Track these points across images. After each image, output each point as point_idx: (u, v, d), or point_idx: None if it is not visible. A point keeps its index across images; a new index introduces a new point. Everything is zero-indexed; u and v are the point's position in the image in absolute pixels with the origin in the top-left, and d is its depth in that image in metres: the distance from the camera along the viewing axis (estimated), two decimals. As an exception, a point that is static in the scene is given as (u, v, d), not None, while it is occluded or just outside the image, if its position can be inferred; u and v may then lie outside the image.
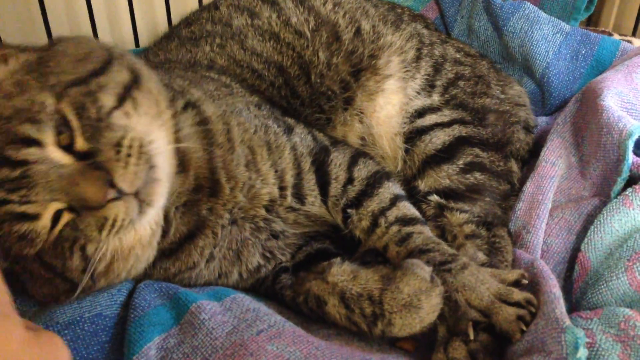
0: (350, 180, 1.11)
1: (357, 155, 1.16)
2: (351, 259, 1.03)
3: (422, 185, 1.21)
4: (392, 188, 1.12)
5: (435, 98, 1.32)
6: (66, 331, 0.88)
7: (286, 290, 1.04)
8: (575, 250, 1.07)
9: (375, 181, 1.11)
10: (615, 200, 1.06)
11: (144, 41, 1.78)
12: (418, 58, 1.35)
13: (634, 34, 1.85)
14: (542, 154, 1.26)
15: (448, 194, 1.18)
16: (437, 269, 0.94)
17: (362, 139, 1.31)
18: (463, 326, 0.89)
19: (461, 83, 1.34)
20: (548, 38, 1.54)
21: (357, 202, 1.08)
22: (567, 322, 0.79)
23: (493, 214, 1.16)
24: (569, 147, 1.27)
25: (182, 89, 1.04)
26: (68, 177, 0.76)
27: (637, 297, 0.91)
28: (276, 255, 1.08)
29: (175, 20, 1.69)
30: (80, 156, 0.78)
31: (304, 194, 1.08)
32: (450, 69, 1.36)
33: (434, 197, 1.18)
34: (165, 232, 0.95)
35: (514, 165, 1.29)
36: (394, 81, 1.31)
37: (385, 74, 1.31)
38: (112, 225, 0.79)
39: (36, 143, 0.76)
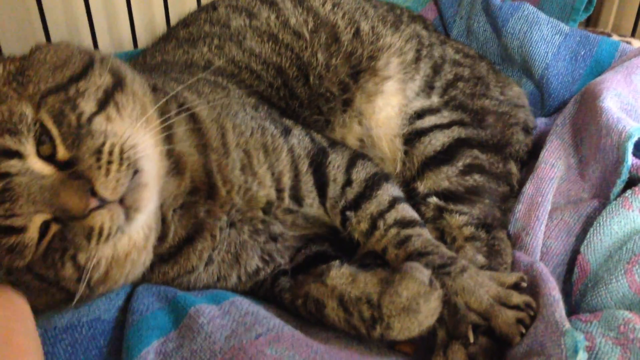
0: (348, 182, 1.10)
1: (356, 157, 1.15)
2: (350, 262, 1.03)
3: (421, 187, 1.21)
4: (391, 190, 1.11)
5: (435, 99, 1.31)
6: (64, 335, 0.87)
7: (285, 293, 1.04)
8: (575, 253, 1.06)
9: (373, 183, 1.10)
10: (614, 202, 1.06)
11: (142, 42, 1.78)
12: (417, 59, 1.35)
13: (633, 35, 1.85)
14: (541, 155, 1.26)
15: (447, 195, 1.17)
16: (436, 272, 0.94)
17: (361, 140, 1.30)
18: (462, 329, 0.89)
19: (460, 84, 1.34)
20: (547, 39, 1.54)
21: (356, 204, 1.08)
22: (567, 325, 0.79)
23: (492, 216, 1.15)
24: (568, 149, 1.26)
25: (176, 92, 1.04)
26: (50, 189, 0.75)
27: (636, 300, 0.91)
28: (275, 258, 1.07)
29: (173, 21, 1.69)
30: (62, 166, 0.77)
31: (301, 196, 1.08)
32: (449, 70, 1.36)
33: (433, 199, 1.18)
34: (164, 236, 0.95)
35: (513, 167, 1.29)
36: (393, 83, 1.31)
37: (385, 76, 1.31)
38: (99, 234, 0.78)
39: (17, 155, 0.75)
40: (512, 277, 0.95)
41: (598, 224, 1.04)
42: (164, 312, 0.92)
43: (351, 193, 1.09)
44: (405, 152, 1.27)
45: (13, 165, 0.74)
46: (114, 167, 0.77)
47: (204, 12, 1.41)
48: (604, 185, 1.14)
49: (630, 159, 1.09)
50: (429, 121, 1.28)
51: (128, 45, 1.79)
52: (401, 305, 0.87)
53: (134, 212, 0.81)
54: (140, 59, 1.37)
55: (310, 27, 1.33)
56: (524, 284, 0.94)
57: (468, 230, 1.12)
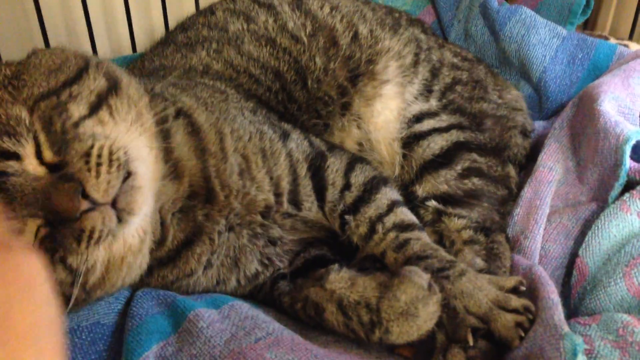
0: (347, 186, 1.11)
1: (354, 161, 1.15)
2: (349, 266, 1.02)
3: (420, 190, 1.21)
4: (390, 194, 1.11)
5: (433, 103, 1.32)
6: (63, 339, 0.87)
7: (284, 297, 1.04)
8: (574, 256, 1.07)
9: (372, 187, 1.10)
10: (612, 205, 1.06)
11: (140, 46, 1.78)
12: (416, 63, 1.35)
13: (630, 38, 1.85)
14: (539, 158, 1.26)
15: (446, 199, 1.17)
16: (435, 275, 0.94)
17: (360, 144, 1.30)
18: (462, 333, 0.89)
19: (458, 88, 1.34)
20: (545, 42, 1.54)
21: (355, 208, 1.08)
22: (566, 328, 0.79)
23: (491, 220, 1.16)
24: (566, 152, 1.27)
25: (174, 97, 1.04)
26: (41, 190, 0.75)
27: (635, 303, 0.91)
28: (274, 261, 1.07)
29: (172, 25, 1.69)
30: (52, 168, 0.77)
31: (300, 200, 1.08)
32: (447, 73, 1.36)
33: (432, 203, 1.18)
34: (163, 239, 0.95)
35: (512, 170, 1.29)
36: (392, 86, 1.31)
37: (383, 79, 1.31)
38: (90, 237, 0.77)
39: (15, 156, 0.75)
40: (510, 281, 0.95)
41: (596, 227, 1.04)
42: (164, 316, 0.92)
43: (350, 197, 1.09)
44: (404, 156, 1.27)
45: (10, 166, 0.75)
46: (104, 168, 0.77)
47: (202, 16, 1.41)
48: (602, 189, 1.14)
49: (628, 162, 1.09)
50: (427, 125, 1.28)
51: (127, 50, 1.79)
52: (400, 309, 0.87)
53: (127, 214, 0.81)
54: (138, 63, 1.37)
55: (308, 31, 1.33)
56: (523, 288, 0.94)
57: (467, 234, 1.12)
